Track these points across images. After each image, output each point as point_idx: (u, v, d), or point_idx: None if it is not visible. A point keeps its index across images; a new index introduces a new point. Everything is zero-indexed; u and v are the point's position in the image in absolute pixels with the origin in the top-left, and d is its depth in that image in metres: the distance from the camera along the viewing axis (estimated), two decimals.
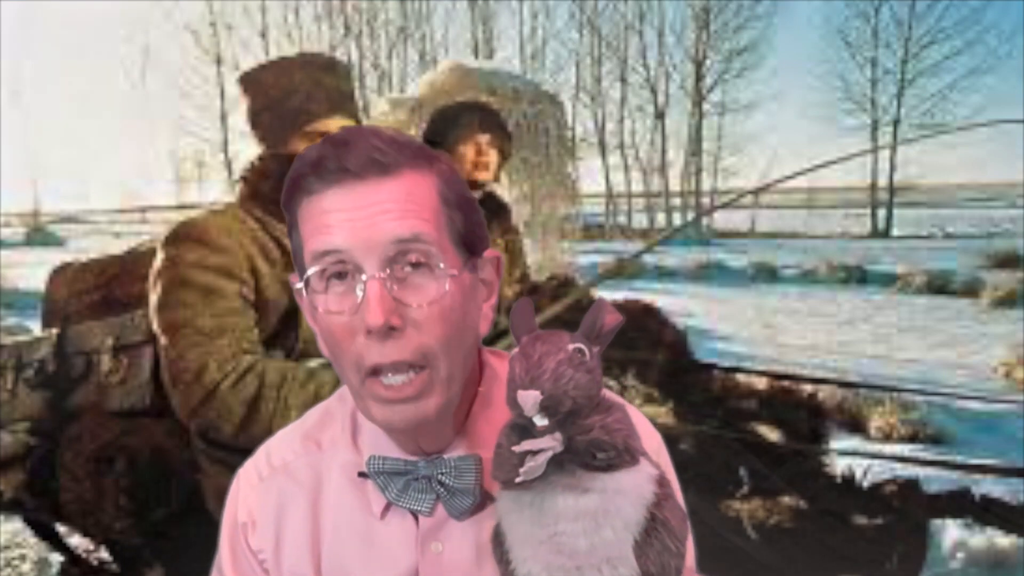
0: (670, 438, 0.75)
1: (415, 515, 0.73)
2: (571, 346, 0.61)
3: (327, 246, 0.66)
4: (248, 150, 1.65)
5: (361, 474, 0.74)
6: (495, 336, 1.83)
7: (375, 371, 0.66)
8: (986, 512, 1.97)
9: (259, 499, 0.79)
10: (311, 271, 0.67)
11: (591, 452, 0.60)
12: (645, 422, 0.79)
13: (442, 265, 0.67)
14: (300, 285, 0.70)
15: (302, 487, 0.78)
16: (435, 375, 0.67)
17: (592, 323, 0.62)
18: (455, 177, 0.72)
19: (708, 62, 22.87)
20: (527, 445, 0.60)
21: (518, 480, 0.60)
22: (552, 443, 0.60)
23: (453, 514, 0.72)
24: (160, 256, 1.50)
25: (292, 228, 0.71)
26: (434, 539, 0.73)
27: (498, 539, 0.65)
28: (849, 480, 2.10)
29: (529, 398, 0.59)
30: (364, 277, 0.65)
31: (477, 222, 0.73)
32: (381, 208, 0.65)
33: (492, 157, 2.33)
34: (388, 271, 0.65)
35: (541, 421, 0.60)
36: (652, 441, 0.77)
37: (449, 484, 0.71)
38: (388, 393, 0.67)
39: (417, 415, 0.68)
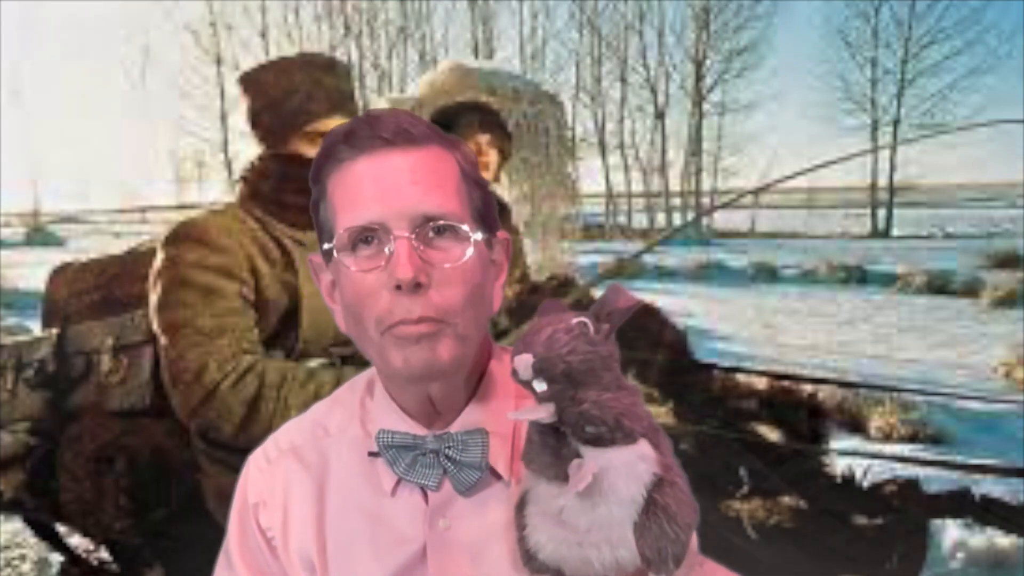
0: (670, 438, 0.75)
1: (424, 493, 0.75)
2: (574, 320, 0.63)
3: (360, 220, 0.69)
4: (248, 150, 1.65)
5: (372, 454, 0.76)
6: (495, 336, 1.83)
7: (397, 324, 0.69)
8: (986, 512, 1.96)
9: (267, 480, 0.81)
10: (341, 233, 0.70)
11: (580, 424, 0.61)
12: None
13: (466, 227, 0.71)
14: (328, 247, 0.73)
15: (308, 470, 0.80)
16: (452, 328, 0.70)
17: (602, 303, 0.64)
18: (473, 160, 0.77)
19: (708, 62, 22.90)
20: (516, 415, 0.63)
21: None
22: (543, 413, 0.62)
23: (459, 489, 0.73)
24: (160, 256, 1.50)
25: (320, 199, 0.74)
26: (442, 516, 0.74)
27: (520, 507, 0.66)
28: (849, 480, 2.10)
29: (522, 361, 0.61)
30: (393, 237, 0.68)
31: (491, 204, 0.77)
32: (411, 177, 0.70)
33: (492, 157, 2.34)
34: (416, 232, 0.69)
35: (540, 386, 0.61)
36: None
37: (456, 458, 0.72)
38: (407, 331, 0.69)
39: (433, 358, 0.69)
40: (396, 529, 0.75)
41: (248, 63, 6.76)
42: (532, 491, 0.65)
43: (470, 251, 0.71)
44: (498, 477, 0.74)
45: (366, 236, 0.70)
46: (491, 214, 0.76)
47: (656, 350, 2.37)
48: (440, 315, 0.69)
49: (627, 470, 0.62)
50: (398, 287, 0.67)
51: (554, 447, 0.63)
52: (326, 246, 0.74)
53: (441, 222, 0.70)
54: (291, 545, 0.79)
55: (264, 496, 0.81)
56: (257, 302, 1.48)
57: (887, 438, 4.12)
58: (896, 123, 21.64)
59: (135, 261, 1.75)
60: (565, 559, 0.63)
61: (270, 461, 0.82)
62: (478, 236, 0.72)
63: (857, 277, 11.66)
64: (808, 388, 2.52)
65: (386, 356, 0.71)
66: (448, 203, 0.70)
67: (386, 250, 0.68)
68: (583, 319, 0.63)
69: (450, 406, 0.75)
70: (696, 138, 23.24)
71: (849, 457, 2.47)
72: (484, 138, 2.30)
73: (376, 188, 0.69)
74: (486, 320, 0.76)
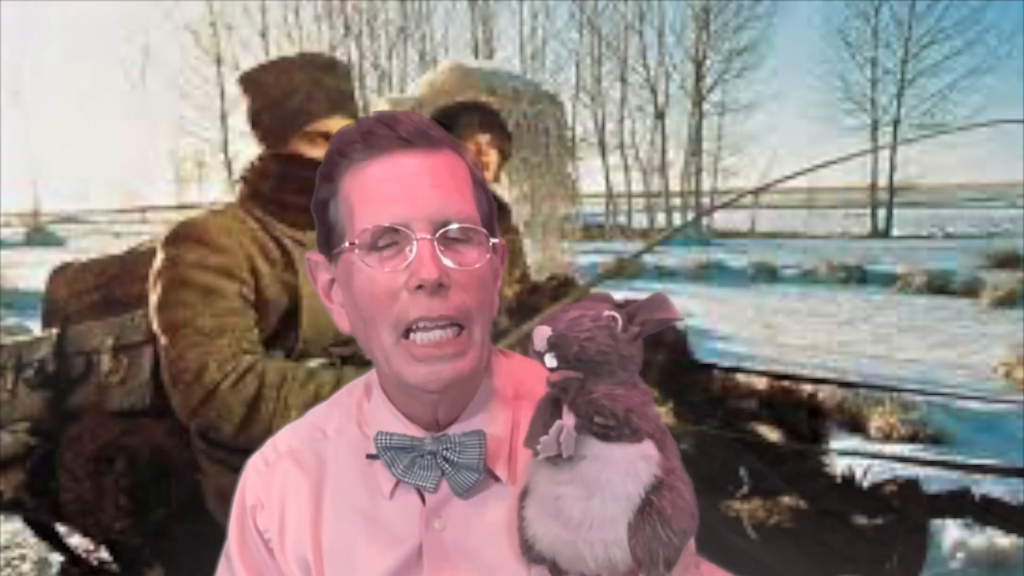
0: None
1: (422, 494, 0.75)
2: (606, 312, 0.63)
3: (382, 220, 0.69)
4: (248, 150, 1.65)
5: (370, 456, 0.76)
6: (495, 336, 1.83)
7: (413, 329, 0.69)
8: (986, 512, 1.96)
9: (265, 483, 0.82)
10: (362, 232, 0.70)
11: (589, 414, 0.62)
12: None
13: (484, 232, 0.73)
14: (339, 248, 0.72)
15: (306, 472, 0.80)
16: (471, 337, 0.71)
17: (641, 307, 0.65)
18: (479, 166, 0.78)
19: (708, 62, 22.90)
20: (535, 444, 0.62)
21: (539, 453, 0.63)
22: (565, 378, 0.62)
23: (457, 491, 0.73)
24: (160, 256, 1.50)
25: (331, 198, 0.73)
26: (437, 516, 0.75)
27: (521, 496, 0.67)
28: (849, 480, 2.10)
29: (539, 332, 0.62)
30: (415, 239, 0.69)
31: (493, 210, 0.78)
32: (432, 181, 0.70)
33: (492, 157, 2.34)
34: (437, 235, 0.69)
35: (551, 362, 0.62)
36: None
37: (454, 460, 0.72)
38: (425, 351, 0.69)
39: (454, 373, 0.71)
40: (392, 530, 0.75)
41: (248, 63, 6.75)
42: (533, 479, 0.66)
43: (487, 255, 0.72)
44: (496, 479, 0.74)
45: (386, 239, 0.70)
46: (494, 219, 0.77)
47: (656, 350, 2.37)
48: (459, 316, 0.70)
49: (626, 467, 0.62)
50: (420, 287, 0.68)
51: (548, 423, 0.64)
52: (338, 247, 0.73)
53: (461, 226, 0.70)
54: (287, 547, 0.79)
55: (261, 498, 0.82)
56: (257, 302, 1.48)
57: (887, 438, 4.12)
58: (896, 123, 21.63)
59: (135, 261, 1.75)
60: (560, 553, 0.64)
61: (268, 464, 0.83)
62: (494, 241, 0.74)
63: (857, 277, 11.67)
64: (808, 388, 2.52)
65: (400, 370, 0.71)
66: (467, 208, 0.72)
67: (407, 251, 0.69)
68: (615, 314, 0.64)
69: (456, 408, 0.76)
70: (696, 138, 23.24)
71: (849, 457, 2.47)
72: (484, 138, 2.30)
73: (398, 189, 0.70)
74: (491, 325, 0.77)
